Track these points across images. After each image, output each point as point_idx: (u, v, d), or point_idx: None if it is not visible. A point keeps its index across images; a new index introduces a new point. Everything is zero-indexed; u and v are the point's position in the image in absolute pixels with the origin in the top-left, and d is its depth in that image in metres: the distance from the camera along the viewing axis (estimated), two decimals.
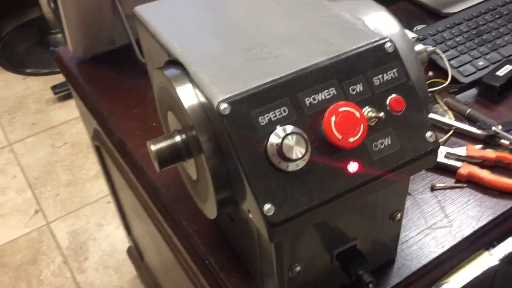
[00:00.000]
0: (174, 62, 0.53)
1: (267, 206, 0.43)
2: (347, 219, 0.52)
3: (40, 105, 2.25)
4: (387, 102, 0.48)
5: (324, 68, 0.47)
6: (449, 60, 0.86)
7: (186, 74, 0.50)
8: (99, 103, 0.89)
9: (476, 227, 0.64)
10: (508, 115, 0.79)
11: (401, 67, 0.49)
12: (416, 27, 0.96)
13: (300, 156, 0.43)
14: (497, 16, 0.94)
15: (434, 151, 0.49)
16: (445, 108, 0.80)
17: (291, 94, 0.46)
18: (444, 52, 0.87)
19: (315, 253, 0.53)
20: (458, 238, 0.63)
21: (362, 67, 0.48)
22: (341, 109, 0.44)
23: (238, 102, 0.44)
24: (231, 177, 0.48)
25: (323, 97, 0.46)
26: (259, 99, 0.45)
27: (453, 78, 0.84)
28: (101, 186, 1.86)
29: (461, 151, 0.72)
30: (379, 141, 0.47)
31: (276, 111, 0.45)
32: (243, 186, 0.45)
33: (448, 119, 0.77)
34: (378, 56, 0.48)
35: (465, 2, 1.01)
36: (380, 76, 0.48)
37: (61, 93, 2.26)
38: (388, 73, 0.48)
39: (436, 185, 0.69)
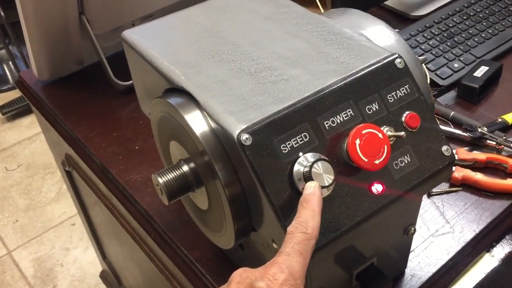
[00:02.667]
0: (174, 90, 0.51)
1: None
2: (365, 238, 0.52)
3: None
4: (403, 119, 0.47)
5: (340, 89, 0.46)
6: (426, 64, 0.87)
7: (192, 100, 0.48)
8: (73, 129, 0.85)
9: (477, 230, 0.65)
10: (489, 115, 0.81)
11: (413, 82, 0.48)
12: None
13: (330, 182, 0.42)
14: (464, 17, 0.96)
15: (451, 165, 0.49)
16: None
17: (310, 118, 0.44)
18: (419, 56, 0.89)
19: (335, 275, 0.52)
20: (462, 243, 0.64)
21: (376, 86, 0.47)
22: (364, 132, 0.44)
23: (258, 131, 0.43)
24: (249, 204, 0.47)
25: (342, 119, 0.45)
26: (280, 126, 0.43)
27: (431, 81, 0.86)
28: (63, 208, 1.78)
29: None
30: (399, 160, 0.47)
31: (297, 137, 0.44)
32: (267, 216, 0.44)
33: None
34: (390, 73, 0.48)
35: (431, 4, 1.03)
36: (393, 93, 0.48)
37: (10, 113, 2.15)
38: (401, 89, 0.48)
39: (433, 191, 0.70)
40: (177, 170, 0.51)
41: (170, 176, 0.50)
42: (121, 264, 1.16)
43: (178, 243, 0.67)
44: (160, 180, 0.50)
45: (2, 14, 2.02)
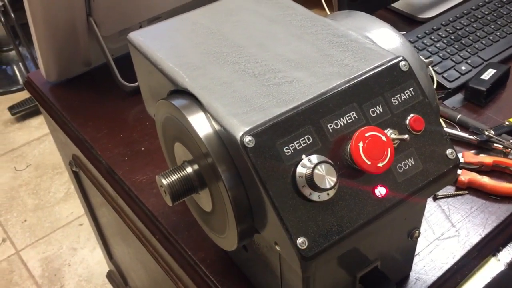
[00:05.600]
0: (179, 91, 0.51)
1: (300, 240, 0.42)
2: (369, 241, 0.51)
3: None
4: (407, 122, 0.47)
5: (343, 91, 0.46)
6: (432, 67, 0.87)
7: (196, 103, 0.48)
8: (80, 130, 0.85)
9: (483, 234, 0.65)
10: (496, 118, 0.80)
11: (417, 85, 0.48)
12: None
13: (332, 185, 0.42)
14: (472, 20, 0.96)
15: (455, 168, 0.48)
16: None
17: (313, 121, 0.44)
18: (426, 58, 0.88)
19: (338, 278, 0.52)
20: (467, 247, 0.64)
21: (380, 88, 0.47)
22: (367, 134, 0.43)
23: (261, 133, 0.43)
24: (252, 207, 0.47)
25: (345, 122, 0.45)
26: (283, 129, 0.43)
27: (438, 84, 0.85)
28: (71, 208, 1.79)
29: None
30: (403, 163, 0.46)
31: (301, 139, 0.44)
32: (270, 218, 0.44)
33: None
34: (394, 75, 0.48)
35: (439, 6, 1.02)
36: (397, 96, 0.47)
37: (19, 113, 2.17)
38: (405, 92, 0.48)
39: (438, 194, 0.69)
40: (181, 172, 0.51)
41: (174, 177, 0.51)
42: (127, 264, 1.17)
43: (183, 244, 0.67)
44: (164, 182, 0.50)
45: (13, 15, 2.04)
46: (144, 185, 0.75)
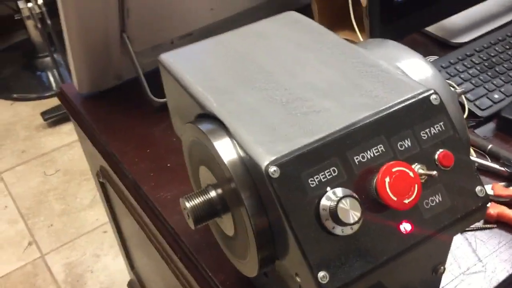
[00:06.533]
0: (206, 116, 0.51)
1: (321, 274, 0.41)
2: (392, 275, 0.50)
3: (30, 131, 2.20)
4: (436, 157, 0.46)
5: (372, 124, 0.45)
6: (464, 94, 0.85)
7: (222, 127, 0.48)
8: (109, 143, 0.87)
9: (510, 271, 0.63)
10: None
11: (448, 119, 0.47)
12: (427, 59, 0.96)
13: (356, 219, 0.41)
14: (507, 47, 0.94)
15: (485, 206, 0.47)
16: None
17: (340, 153, 0.44)
18: (459, 85, 0.87)
19: None
20: (494, 283, 0.62)
21: (409, 122, 0.46)
22: (394, 169, 0.43)
23: (286, 164, 0.43)
24: (275, 235, 0.46)
25: (372, 155, 0.45)
26: (308, 160, 0.43)
27: (470, 112, 0.84)
28: (97, 215, 1.82)
29: (488, 190, 0.71)
30: (430, 199, 0.45)
31: (326, 171, 0.43)
32: (291, 249, 0.43)
33: (470, 156, 0.76)
34: (424, 109, 0.47)
35: (473, 32, 1.01)
36: (427, 130, 0.47)
37: (51, 119, 2.21)
38: (435, 126, 0.47)
39: None
40: (204, 195, 0.51)
41: (198, 201, 0.51)
42: (148, 276, 1.17)
43: (204, 264, 0.67)
44: (188, 205, 0.50)
45: (49, 22, 2.09)
46: (168, 202, 0.75)
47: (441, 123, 0.47)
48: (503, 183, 0.73)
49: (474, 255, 0.65)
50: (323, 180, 0.43)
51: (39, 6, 2.13)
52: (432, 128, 0.47)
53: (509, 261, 0.64)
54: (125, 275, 1.46)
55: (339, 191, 0.42)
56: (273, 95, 0.50)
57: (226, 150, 0.47)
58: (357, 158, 0.44)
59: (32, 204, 1.88)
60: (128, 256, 1.27)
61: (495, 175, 0.75)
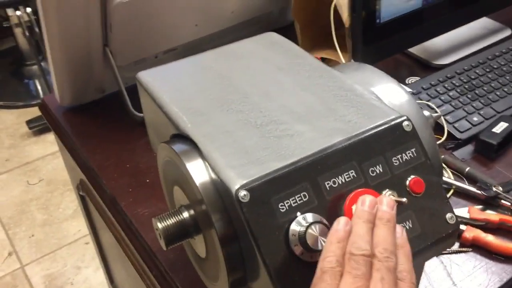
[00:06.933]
0: (181, 136, 0.51)
1: None
2: None
3: (14, 139, 2.19)
4: (407, 183, 0.47)
5: (344, 149, 0.46)
6: (444, 116, 0.86)
7: (196, 149, 0.48)
8: (89, 157, 0.86)
9: None
10: (505, 173, 0.79)
11: (419, 146, 0.48)
12: (408, 79, 0.97)
13: None
14: (487, 70, 0.95)
15: (455, 233, 0.47)
16: (444, 166, 0.80)
17: (311, 178, 0.44)
18: (438, 107, 0.88)
19: None
20: None
21: (381, 148, 0.47)
22: None
23: (257, 188, 0.43)
24: (245, 257, 0.46)
25: (343, 180, 0.45)
26: (279, 184, 0.43)
27: (449, 133, 0.84)
28: (79, 226, 1.80)
29: (464, 213, 0.71)
30: (400, 225, 0.46)
31: (296, 196, 0.43)
32: (261, 273, 0.43)
33: (448, 178, 0.77)
34: (397, 135, 0.47)
35: (455, 54, 1.02)
36: (399, 156, 0.47)
37: (36, 128, 2.20)
38: (407, 153, 0.47)
39: None
40: (177, 216, 0.51)
41: (170, 221, 0.50)
42: None
43: (178, 283, 0.66)
44: (160, 225, 0.50)
45: (37, 30, 2.09)
46: (146, 219, 0.75)
47: (413, 150, 0.47)
48: (479, 207, 0.73)
49: (449, 278, 0.65)
50: (293, 205, 0.43)
51: (28, 14, 2.12)
52: (404, 154, 0.47)
53: (484, 285, 0.64)
54: None
55: (309, 217, 0.43)
56: (248, 117, 0.50)
57: (198, 172, 0.47)
58: (328, 184, 0.44)
59: (14, 214, 1.86)
60: (107, 270, 1.25)
61: (472, 198, 0.75)
